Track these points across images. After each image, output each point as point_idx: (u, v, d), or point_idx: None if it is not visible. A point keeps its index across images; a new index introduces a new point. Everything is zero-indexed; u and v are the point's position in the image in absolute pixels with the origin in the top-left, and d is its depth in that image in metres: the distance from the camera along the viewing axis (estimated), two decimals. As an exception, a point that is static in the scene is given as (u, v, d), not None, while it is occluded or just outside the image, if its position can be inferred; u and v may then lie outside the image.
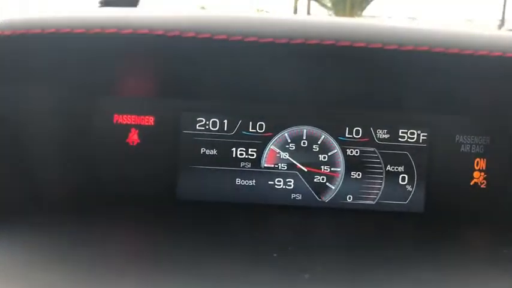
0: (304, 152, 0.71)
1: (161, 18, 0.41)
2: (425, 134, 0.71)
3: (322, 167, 0.71)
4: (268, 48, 0.44)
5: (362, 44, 0.44)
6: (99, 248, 0.50)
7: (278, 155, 0.71)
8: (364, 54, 0.45)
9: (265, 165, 0.71)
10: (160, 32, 0.40)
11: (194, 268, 0.46)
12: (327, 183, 0.71)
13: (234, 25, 0.43)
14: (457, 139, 0.72)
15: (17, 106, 0.58)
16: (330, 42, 0.43)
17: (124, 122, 0.69)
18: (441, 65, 0.50)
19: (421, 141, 0.71)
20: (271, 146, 0.71)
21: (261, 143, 0.71)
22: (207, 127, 0.70)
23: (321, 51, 0.44)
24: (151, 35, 0.40)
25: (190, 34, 0.41)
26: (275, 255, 0.49)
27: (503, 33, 0.49)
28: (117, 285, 0.41)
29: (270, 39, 0.43)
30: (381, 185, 0.71)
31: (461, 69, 0.52)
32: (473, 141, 0.72)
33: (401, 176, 0.71)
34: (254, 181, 0.71)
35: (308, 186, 0.71)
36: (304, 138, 0.71)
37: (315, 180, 0.71)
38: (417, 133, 0.71)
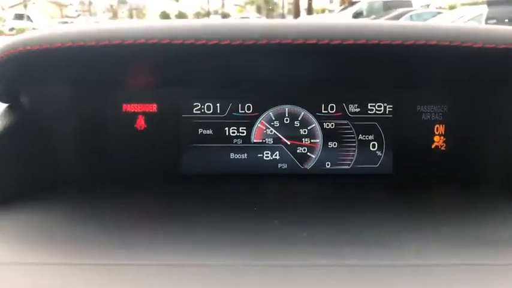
0: (287, 128, 0.82)
1: (163, 29, 0.52)
2: (391, 106, 0.82)
3: (303, 139, 0.83)
4: (252, 48, 0.55)
5: (326, 41, 0.55)
6: (114, 214, 0.62)
7: (265, 131, 0.82)
8: (333, 47, 0.56)
9: (255, 140, 0.82)
10: (166, 41, 0.52)
11: (198, 226, 0.58)
12: (308, 153, 0.83)
13: (223, 31, 0.54)
14: (418, 109, 0.83)
15: (45, 102, 0.71)
16: (300, 41, 0.54)
17: (131, 110, 0.81)
18: (401, 52, 0.60)
19: (387, 112, 0.82)
20: (259, 124, 0.82)
21: (249, 122, 0.82)
22: (203, 111, 0.82)
23: (294, 49, 0.55)
24: (154, 44, 0.52)
25: (189, 41, 0.52)
26: (276, 221, 0.60)
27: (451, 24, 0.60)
28: (131, 245, 0.53)
29: (253, 41, 0.54)
30: (354, 152, 0.83)
31: (418, 55, 0.62)
32: (432, 110, 0.83)
33: (371, 143, 0.83)
34: (245, 155, 0.83)
35: (292, 156, 0.83)
36: (287, 115, 0.82)
37: (297, 151, 0.83)
38: (384, 106, 0.82)
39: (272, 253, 0.50)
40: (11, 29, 15.41)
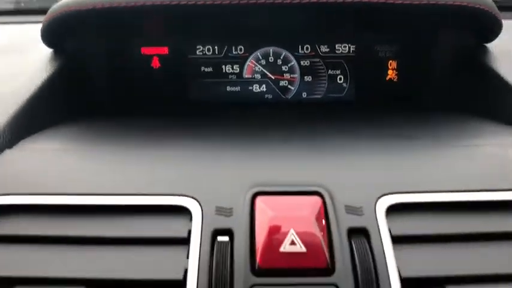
0: (272, 65, 1.03)
1: None
2: (354, 46, 1.02)
3: (285, 74, 1.04)
4: (244, 5, 0.75)
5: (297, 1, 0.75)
6: (138, 127, 0.82)
7: (254, 68, 1.03)
8: (305, 4, 0.76)
9: (246, 76, 1.04)
10: (174, 3, 0.74)
11: (199, 134, 0.79)
12: (289, 86, 1.04)
13: None
14: (375, 48, 1.03)
15: (83, 47, 0.92)
16: (278, 1, 0.75)
17: (148, 53, 1.02)
18: (360, 6, 0.80)
19: (351, 52, 1.03)
20: (249, 63, 1.03)
21: (241, 61, 1.03)
22: (204, 52, 1.02)
23: (274, 6, 0.75)
24: (165, 4, 0.74)
25: (192, 2, 0.74)
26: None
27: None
28: (149, 143, 0.71)
29: (245, 1, 0.74)
30: (325, 84, 1.04)
31: (374, 7, 0.81)
32: (386, 49, 1.03)
33: (338, 77, 1.04)
34: (238, 88, 1.04)
35: (276, 88, 1.04)
36: (271, 55, 1.03)
37: (280, 84, 1.04)
38: (348, 46, 1.02)
39: (254, 148, 0.71)
40: None
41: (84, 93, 0.93)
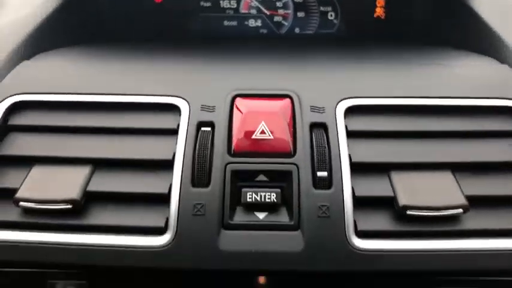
0: (267, 1, 1.11)
1: None
2: (345, -15, 1.09)
3: (279, 10, 1.12)
4: None
5: None
6: (136, 50, 0.91)
7: (250, 3, 1.11)
8: None
9: (242, 11, 1.12)
10: None
11: (201, 56, 0.88)
12: (282, 21, 1.12)
13: None
14: (364, -14, 1.10)
15: None
16: None
17: (153, -12, 1.11)
18: None
19: (342, -9, 1.10)
20: (245, -1, 1.11)
21: (239, -3, 1.11)
22: (204, -12, 1.11)
23: None
24: None
25: None
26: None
27: None
28: (149, 62, 0.82)
29: None
30: (317, 20, 1.11)
31: None
32: (375, -14, 1.10)
33: (329, 13, 1.11)
34: (235, 22, 1.12)
35: (270, 23, 1.12)
36: (266, -9, 1.11)
37: (274, 19, 1.12)
38: (340, -14, 1.10)
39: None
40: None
41: (89, 24, 1.03)
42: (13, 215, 0.61)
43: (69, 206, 0.60)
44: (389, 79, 0.72)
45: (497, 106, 0.68)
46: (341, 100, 0.67)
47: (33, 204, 0.60)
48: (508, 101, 0.68)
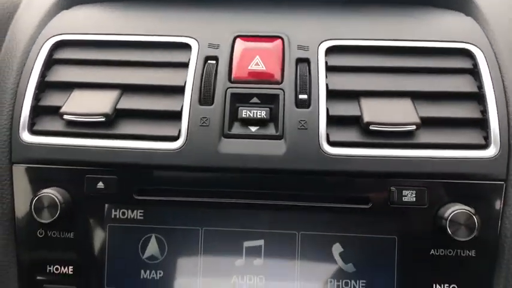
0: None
1: None
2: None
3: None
4: None
5: None
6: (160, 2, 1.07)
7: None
8: None
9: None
10: None
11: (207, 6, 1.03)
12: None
13: None
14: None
15: None
16: None
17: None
18: None
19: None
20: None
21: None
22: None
23: None
24: None
25: None
26: None
27: None
28: (165, 11, 0.98)
29: None
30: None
31: None
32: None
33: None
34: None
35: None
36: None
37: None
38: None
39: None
40: None
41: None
42: (59, 126, 0.78)
43: (103, 119, 0.76)
44: (366, 25, 0.86)
45: (456, 48, 0.82)
46: (323, 41, 0.81)
47: (74, 116, 0.77)
48: (465, 44, 0.82)
